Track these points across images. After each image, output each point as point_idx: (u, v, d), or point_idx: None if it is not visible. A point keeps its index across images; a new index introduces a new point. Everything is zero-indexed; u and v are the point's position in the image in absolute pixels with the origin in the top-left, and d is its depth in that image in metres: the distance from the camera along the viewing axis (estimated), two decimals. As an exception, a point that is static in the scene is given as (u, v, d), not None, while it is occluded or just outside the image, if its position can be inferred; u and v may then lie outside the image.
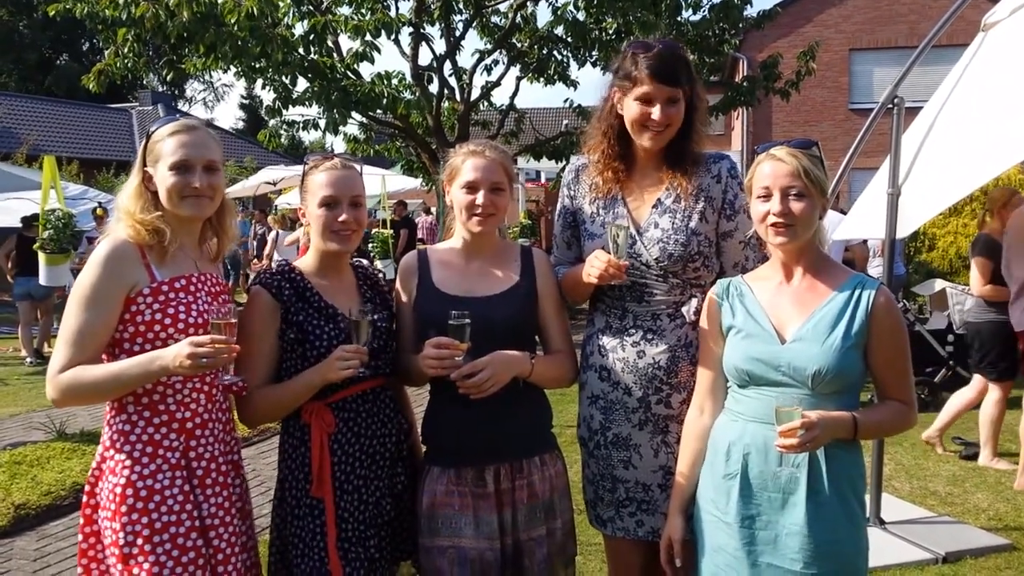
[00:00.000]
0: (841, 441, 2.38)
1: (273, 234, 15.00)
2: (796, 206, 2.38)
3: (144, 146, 2.49)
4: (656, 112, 2.69)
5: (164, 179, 2.43)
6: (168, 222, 2.44)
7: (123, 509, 2.35)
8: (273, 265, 2.87)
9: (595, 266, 2.62)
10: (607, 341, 2.86)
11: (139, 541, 2.34)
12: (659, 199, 2.81)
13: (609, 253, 2.60)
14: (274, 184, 19.82)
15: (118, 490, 2.37)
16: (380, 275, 2.95)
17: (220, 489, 2.50)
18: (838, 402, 2.37)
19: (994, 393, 6.26)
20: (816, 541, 2.34)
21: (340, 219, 2.66)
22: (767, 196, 2.42)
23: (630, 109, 2.74)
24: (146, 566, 2.33)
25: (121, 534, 2.35)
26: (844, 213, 7.77)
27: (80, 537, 2.48)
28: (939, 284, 9.04)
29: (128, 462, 2.38)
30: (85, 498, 2.48)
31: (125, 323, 2.38)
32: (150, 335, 2.38)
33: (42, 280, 10.24)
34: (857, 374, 2.40)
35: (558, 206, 3.08)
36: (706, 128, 2.89)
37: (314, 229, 2.72)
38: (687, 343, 2.78)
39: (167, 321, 2.38)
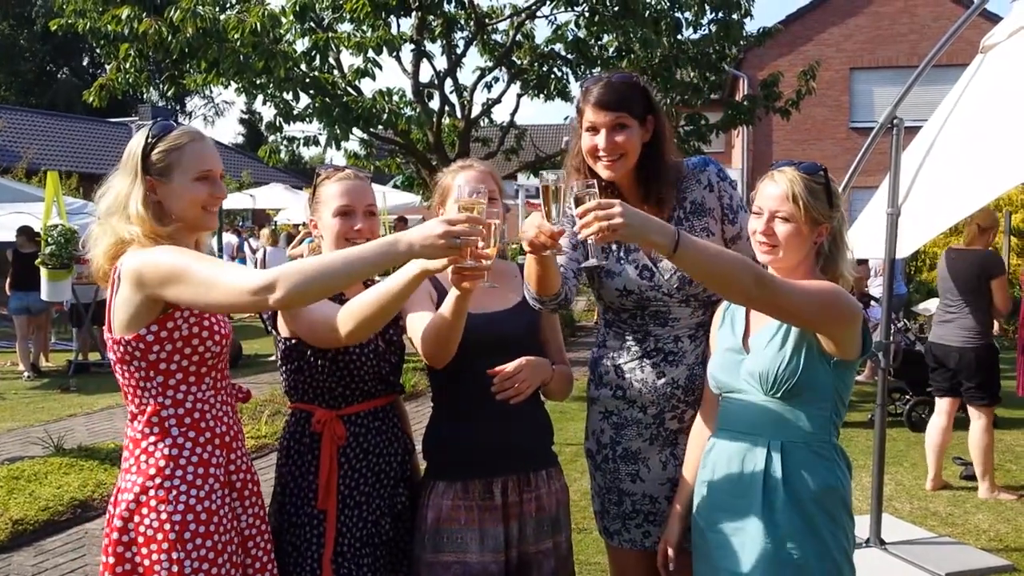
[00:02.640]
0: (805, 451, 2.39)
1: (261, 251, 14.95)
2: (779, 229, 2.41)
3: (146, 153, 2.32)
4: (600, 139, 2.65)
5: (186, 192, 2.32)
6: (180, 233, 2.35)
7: (186, 536, 2.23)
8: None
9: (526, 233, 2.33)
10: (624, 362, 2.84)
11: (205, 566, 2.25)
12: None
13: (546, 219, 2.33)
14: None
15: (176, 518, 2.24)
16: None
17: (256, 499, 2.46)
18: (804, 409, 2.39)
19: (982, 420, 6.14)
20: (772, 550, 2.35)
21: (355, 228, 2.68)
22: (759, 214, 2.47)
23: (583, 142, 2.72)
24: None
25: (187, 562, 2.22)
26: None
27: None
28: (932, 304, 9.02)
29: (183, 487, 2.27)
30: (117, 535, 2.28)
31: (162, 341, 2.25)
32: (187, 350, 2.28)
33: (44, 295, 10.26)
34: (809, 377, 2.38)
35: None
36: (672, 154, 2.81)
37: (328, 239, 2.73)
38: (705, 360, 2.77)
39: (204, 334, 2.30)
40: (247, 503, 2.43)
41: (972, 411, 6.23)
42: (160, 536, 2.24)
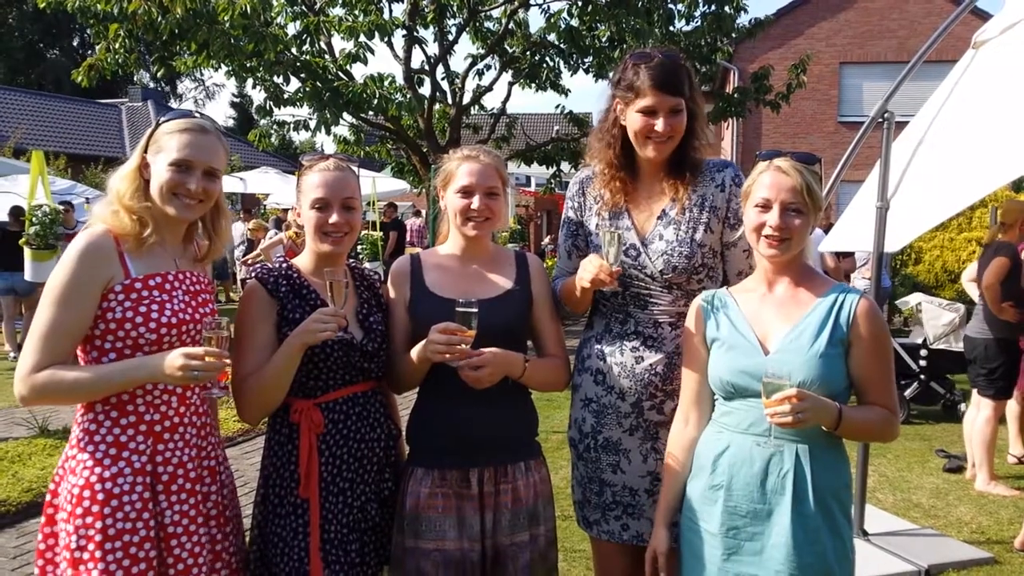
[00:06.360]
0: (827, 451, 2.39)
1: (272, 233, 15.03)
2: (794, 222, 2.39)
3: (151, 133, 2.42)
4: (660, 124, 2.68)
5: (159, 173, 2.38)
6: (154, 215, 2.39)
7: (78, 511, 2.27)
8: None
9: (588, 270, 2.60)
10: (606, 345, 2.86)
11: (90, 546, 2.26)
12: (663, 210, 2.81)
13: (603, 259, 2.59)
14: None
15: (75, 491, 2.28)
16: (376, 276, 2.94)
17: (187, 496, 2.42)
18: None
19: (986, 411, 6.16)
20: (800, 553, 2.35)
21: (330, 221, 2.65)
22: (766, 207, 2.42)
23: (633, 121, 2.73)
24: (95, 573, 2.25)
25: (74, 537, 2.27)
26: (825, 232, 7.76)
27: (40, 536, 2.40)
28: (914, 298, 9.06)
29: (90, 463, 2.30)
30: (49, 497, 2.40)
31: (96, 319, 2.30)
32: (120, 333, 2.30)
33: (28, 276, 10.18)
34: (842, 383, 2.39)
35: (563, 216, 3.07)
36: (706, 136, 2.89)
37: (307, 230, 2.71)
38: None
39: (139, 320, 2.31)
40: (174, 498, 2.39)
41: (975, 399, 6.27)
42: (68, 506, 2.32)
